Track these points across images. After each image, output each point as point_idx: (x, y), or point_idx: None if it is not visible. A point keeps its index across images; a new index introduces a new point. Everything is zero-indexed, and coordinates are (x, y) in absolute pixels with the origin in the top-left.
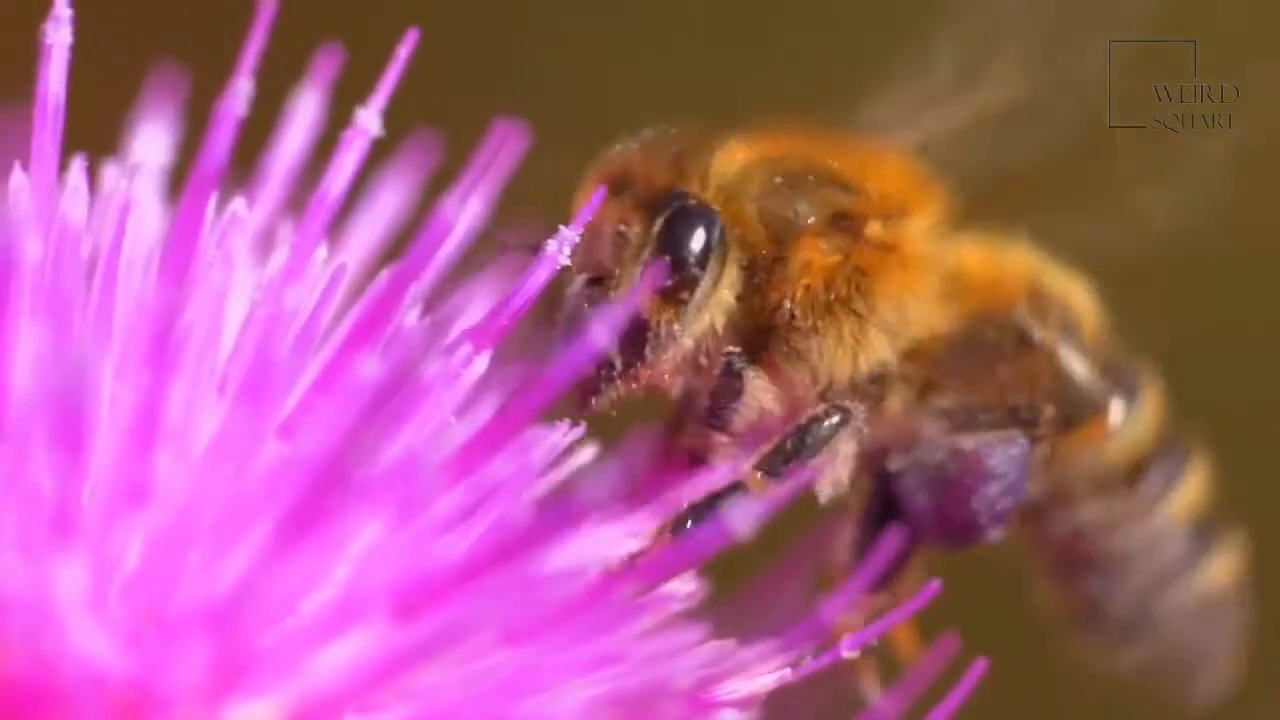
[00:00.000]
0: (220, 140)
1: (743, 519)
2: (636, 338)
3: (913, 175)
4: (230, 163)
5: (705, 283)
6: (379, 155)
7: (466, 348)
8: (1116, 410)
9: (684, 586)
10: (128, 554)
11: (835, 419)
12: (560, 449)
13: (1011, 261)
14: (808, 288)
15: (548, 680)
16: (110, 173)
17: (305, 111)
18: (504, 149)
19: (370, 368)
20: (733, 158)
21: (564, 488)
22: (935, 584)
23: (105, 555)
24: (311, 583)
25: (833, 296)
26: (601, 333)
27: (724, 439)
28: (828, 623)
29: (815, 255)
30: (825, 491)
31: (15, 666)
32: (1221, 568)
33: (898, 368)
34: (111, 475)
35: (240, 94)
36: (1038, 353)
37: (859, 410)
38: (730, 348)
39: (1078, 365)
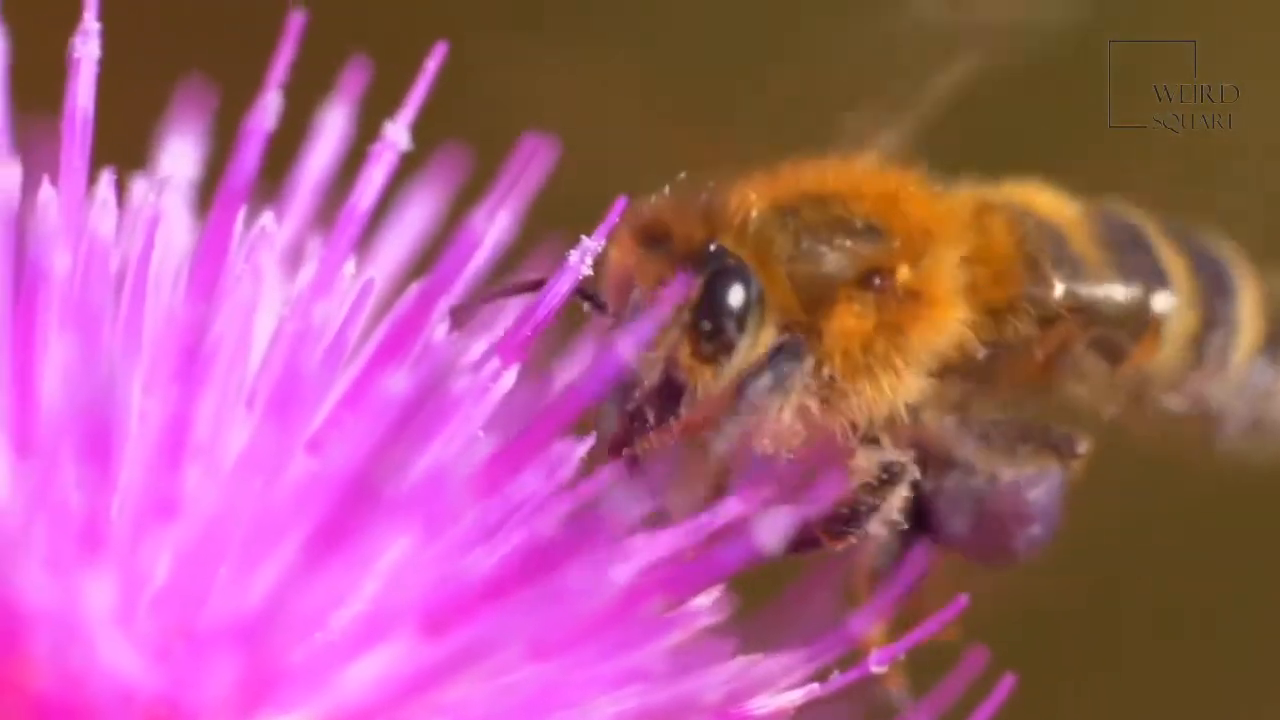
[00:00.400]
0: (249, 154)
1: (771, 534)
2: (671, 395)
3: (928, 191)
4: (259, 176)
5: (743, 345)
6: (407, 169)
7: (494, 362)
8: (1162, 303)
9: (711, 600)
10: (156, 568)
11: (887, 477)
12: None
13: (994, 225)
14: (845, 353)
15: (576, 695)
16: (139, 186)
17: (333, 125)
18: (532, 163)
19: (398, 383)
20: (759, 207)
21: (592, 502)
22: (963, 598)
23: (134, 570)
24: (340, 597)
25: (870, 359)
26: (627, 345)
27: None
28: (856, 636)
29: (850, 322)
30: (876, 529)
31: (44, 682)
32: None
33: (932, 392)
34: (140, 489)
35: (269, 108)
36: (1063, 319)
37: (910, 465)
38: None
39: (1105, 298)
